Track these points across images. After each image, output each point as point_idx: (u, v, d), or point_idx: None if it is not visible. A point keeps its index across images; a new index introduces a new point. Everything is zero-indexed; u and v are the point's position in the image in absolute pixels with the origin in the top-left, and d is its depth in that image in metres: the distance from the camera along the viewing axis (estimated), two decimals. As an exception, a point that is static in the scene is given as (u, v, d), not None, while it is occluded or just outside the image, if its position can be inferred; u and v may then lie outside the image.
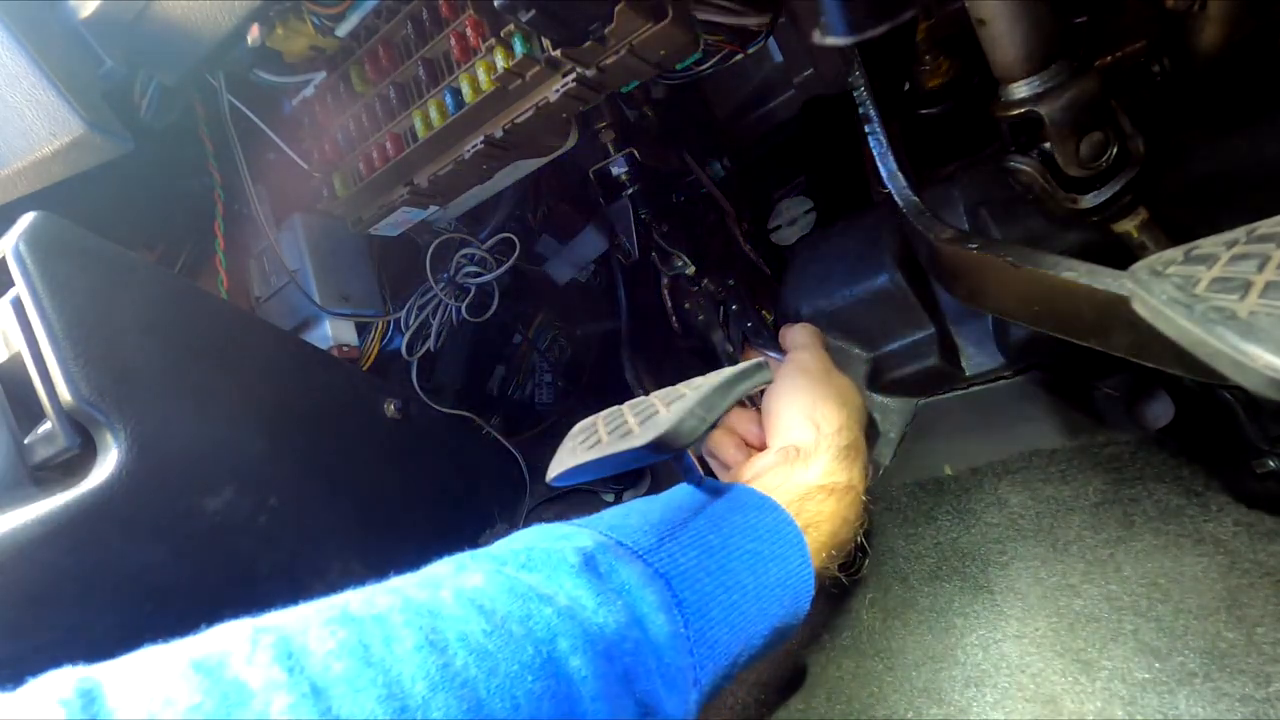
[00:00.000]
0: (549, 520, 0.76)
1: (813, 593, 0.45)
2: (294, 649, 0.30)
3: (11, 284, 0.47)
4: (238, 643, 0.30)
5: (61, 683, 0.27)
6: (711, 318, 0.74)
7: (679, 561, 0.40)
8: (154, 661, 0.29)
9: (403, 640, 0.31)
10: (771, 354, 0.67)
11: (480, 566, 0.37)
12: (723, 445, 0.60)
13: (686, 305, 0.76)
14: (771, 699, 0.58)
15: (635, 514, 0.44)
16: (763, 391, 0.59)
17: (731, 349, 0.73)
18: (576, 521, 0.42)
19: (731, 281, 0.74)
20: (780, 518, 0.46)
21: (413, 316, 0.75)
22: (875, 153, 0.53)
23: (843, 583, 0.56)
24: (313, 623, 0.32)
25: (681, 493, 0.47)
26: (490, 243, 0.76)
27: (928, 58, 0.60)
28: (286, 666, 0.29)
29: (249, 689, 0.28)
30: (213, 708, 0.27)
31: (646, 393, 0.53)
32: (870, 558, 0.62)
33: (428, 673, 0.31)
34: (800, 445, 0.52)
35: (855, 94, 0.54)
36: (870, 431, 0.65)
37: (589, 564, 0.38)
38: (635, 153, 0.70)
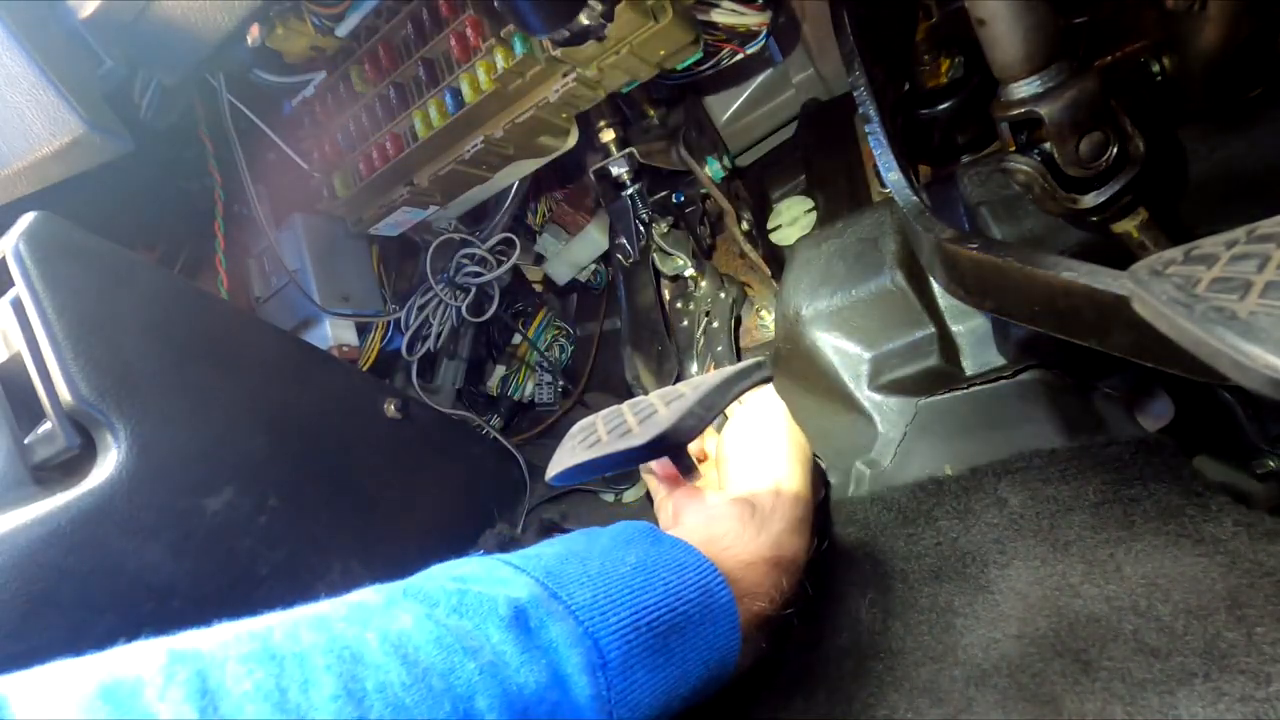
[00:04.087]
0: (550, 520, 0.76)
1: (735, 661, 0.45)
2: (209, 687, 0.29)
3: (11, 284, 0.47)
4: (151, 672, 0.29)
5: None
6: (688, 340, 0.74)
7: (609, 621, 0.40)
8: (62, 681, 0.28)
9: (321, 686, 0.31)
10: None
11: (411, 608, 0.37)
12: (648, 476, 0.59)
13: (678, 305, 0.76)
14: (772, 699, 0.58)
15: (574, 560, 0.43)
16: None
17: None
18: (517, 561, 0.42)
19: (723, 295, 0.74)
20: (718, 584, 0.45)
21: (413, 316, 0.75)
22: (875, 153, 0.53)
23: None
24: (231, 655, 0.31)
25: (623, 538, 0.46)
26: (490, 243, 0.76)
27: (928, 58, 0.60)
28: (199, 706, 0.28)
29: None
30: None
31: (646, 392, 0.53)
32: (870, 558, 0.62)
33: None
34: (758, 505, 0.51)
35: (855, 94, 0.54)
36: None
37: (519, 618, 0.37)
38: (635, 153, 0.70)
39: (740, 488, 0.52)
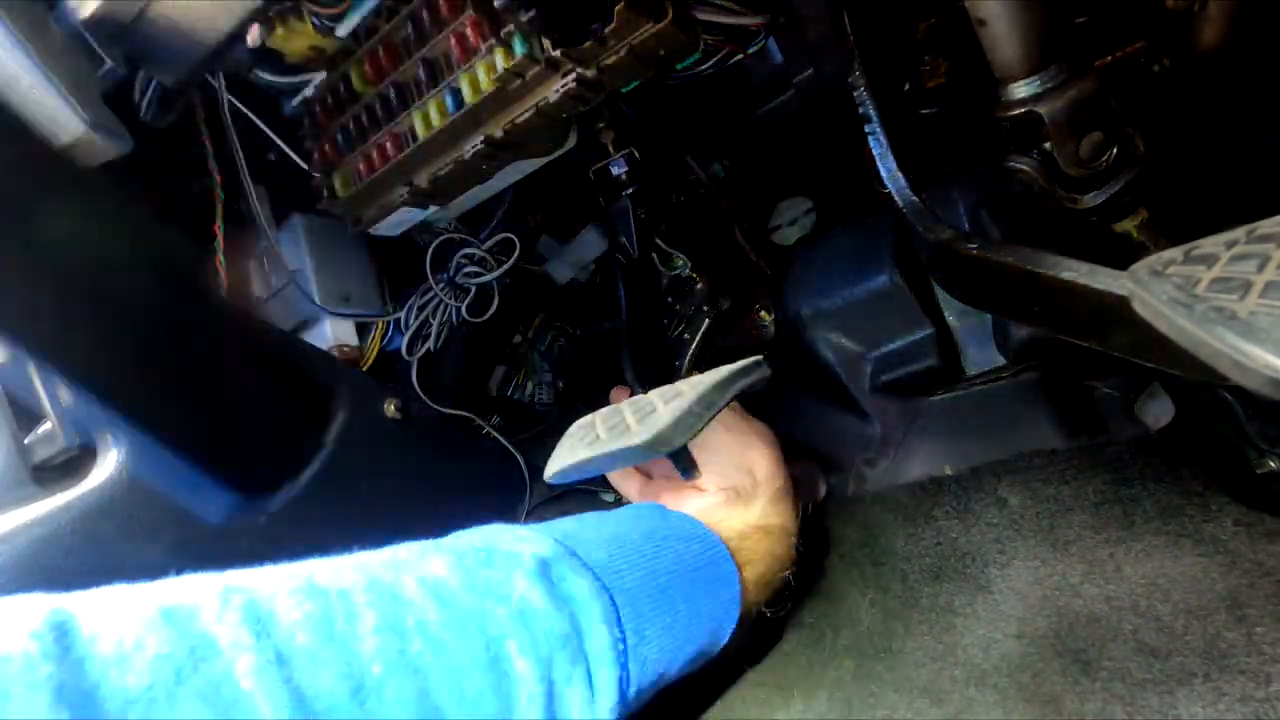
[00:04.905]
0: (551, 519, 0.76)
1: (734, 627, 0.48)
2: (262, 613, 0.31)
3: (12, 284, 0.47)
4: (208, 598, 0.31)
5: (32, 612, 0.28)
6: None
7: (624, 580, 0.42)
8: (126, 603, 0.30)
9: (364, 619, 0.33)
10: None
11: (443, 556, 0.38)
12: (625, 482, 0.61)
13: (677, 306, 0.77)
14: (772, 700, 0.58)
15: (589, 527, 0.46)
16: None
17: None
18: (534, 526, 0.44)
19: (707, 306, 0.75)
20: (719, 553, 0.48)
21: (413, 316, 0.75)
22: (875, 153, 0.53)
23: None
24: (280, 589, 0.32)
25: (633, 514, 0.49)
26: (490, 243, 0.76)
27: (928, 58, 0.60)
28: (254, 630, 0.30)
29: (217, 645, 0.29)
30: (182, 658, 0.28)
31: (645, 392, 0.53)
32: (870, 558, 0.62)
33: (385, 655, 0.32)
34: (739, 488, 0.54)
35: (855, 94, 0.54)
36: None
37: (543, 570, 0.39)
38: (635, 153, 0.70)
39: (717, 481, 0.54)
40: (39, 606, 0.28)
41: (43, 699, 0.25)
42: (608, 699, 0.38)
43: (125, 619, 0.29)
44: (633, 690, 0.40)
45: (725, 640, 0.48)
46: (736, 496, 0.53)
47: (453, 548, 0.40)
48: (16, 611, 0.28)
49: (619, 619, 0.40)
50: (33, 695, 0.25)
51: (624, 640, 0.40)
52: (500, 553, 0.39)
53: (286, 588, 0.33)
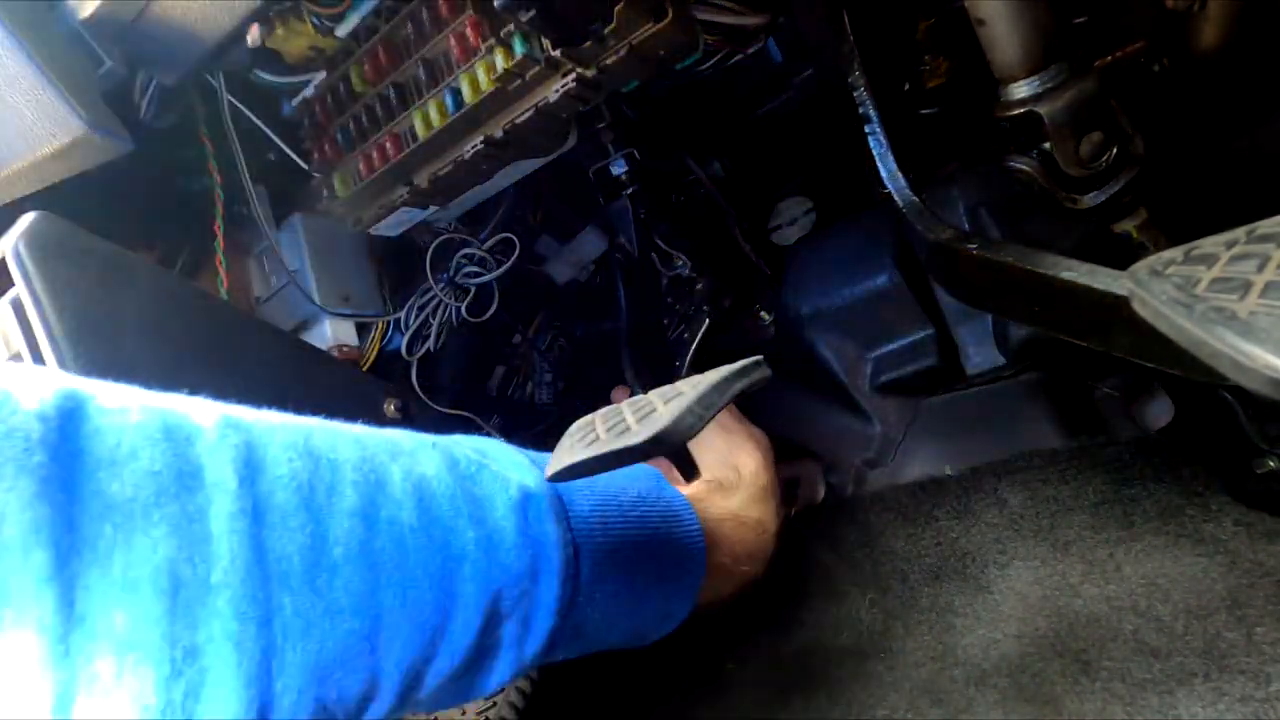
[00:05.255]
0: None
1: (680, 620, 0.47)
2: (253, 459, 0.31)
3: (11, 284, 0.47)
4: (210, 425, 0.31)
5: (45, 388, 0.28)
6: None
7: (595, 539, 0.41)
8: (132, 402, 0.30)
9: (344, 498, 0.33)
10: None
11: (435, 458, 0.38)
12: None
13: (677, 306, 0.77)
14: (772, 700, 0.58)
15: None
16: None
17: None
18: (533, 455, 0.43)
19: (706, 307, 0.75)
20: (696, 544, 0.47)
21: (413, 316, 0.75)
22: (875, 153, 0.53)
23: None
24: (276, 440, 0.33)
25: (632, 474, 0.48)
26: (490, 243, 0.76)
27: (928, 58, 0.60)
28: (240, 474, 0.30)
29: (202, 477, 0.29)
30: (167, 480, 0.28)
31: (645, 391, 0.53)
32: (870, 558, 0.62)
33: (349, 541, 0.32)
34: (722, 481, 0.55)
35: (855, 94, 0.54)
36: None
37: (524, 503, 0.39)
38: (635, 153, 0.70)
39: (703, 474, 0.54)
40: (53, 383, 0.28)
41: (28, 486, 0.25)
42: (535, 644, 0.39)
43: (127, 421, 0.29)
44: (560, 644, 0.40)
45: (673, 627, 0.48)
46: (719, 488, 0.54)
47: (448, 450, 0.39)
48: (30, 383, 0.28)
49: (577, 575, 0.40)
50: (19, 480, 0.25)
51: (572, 598, 0.40)
52: (490, 472, 0.39)
53: (281, 439, 0.33)
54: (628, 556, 0.43)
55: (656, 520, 0.46)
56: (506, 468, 0.40)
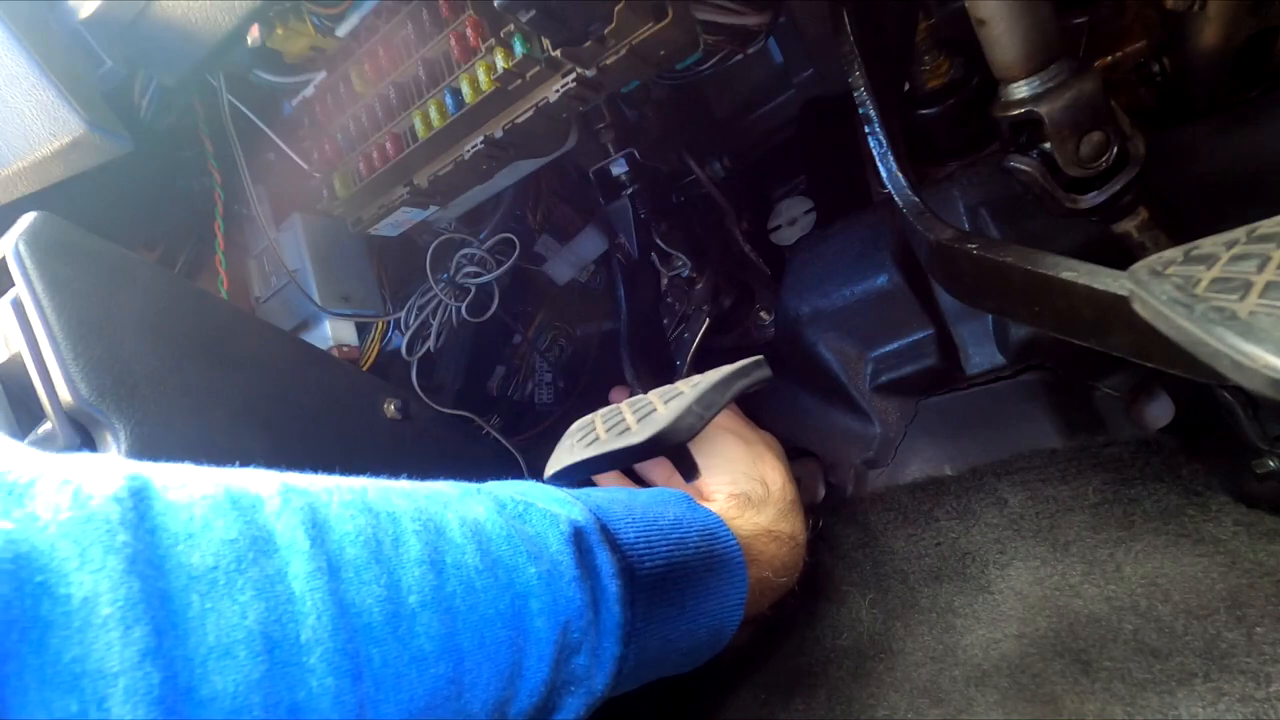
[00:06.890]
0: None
1: (733, 631, 0.48)
2: (318, 519, 0.31)
3: (11, 284, 0.47)
4: (270, 493, 0.31)
5: (111, 474, 0.28)
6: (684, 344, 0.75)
7: (645, 564, 0.42)
8: (193, 480, 0.30)
9: (409, 548, 0.33)
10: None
11: (484, 503, 0.39)
12: (622, 485, 0.62)
13: (677, 306, 0.77)
14: (772, 700, 0.58)
15: (619, 503, 0.45)
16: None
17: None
18: (566, 491, 0.44)
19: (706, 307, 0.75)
20: (736, 558, 0.48)
21: (413, 316, 0.75)
22: (875, 153, 0.53)
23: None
24: (335, 499, 0.33)
25: (661, 498, 0.49)
26: (490, 243, 0.76)
27: (928, 58, 0.60)
28: (310, 535, 0.31)
29: (275, 541, 0.30)
30: (244, 546, 0.29)
31: (645, 392, 0.53)
32: (870, 558, 0.62)
33: (423, 588, 0.33)
34: (750, 495, 0.55)
35: (855, 94, 0.54)
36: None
37: (576, 536, 0.40)
38: (635, 153, 0.70)
39: (730, 488, 0.55)
40: (117, 469, 0.29)
41: (117, 565, 0.26)
42: (604, 676, 0.39)
43: (194, 496, 0.29)
44: (625, 674, 0.41)
45: (726, 641, 0.48)
46: (748, 502, 0.54)
47: (492, 495, 0.40)
48: (96, 471, 0.28)
49: (634, 601, 0.41)
50: (108, 559, 0.26)
51: (633, 623, 0.40)
52: (536, 510, 0.40)
53: (340, 499, 0.33)
54: (677, 577, 0.44)
55: (696, 539, 0.46)
56: (550, 504, 0.41)
